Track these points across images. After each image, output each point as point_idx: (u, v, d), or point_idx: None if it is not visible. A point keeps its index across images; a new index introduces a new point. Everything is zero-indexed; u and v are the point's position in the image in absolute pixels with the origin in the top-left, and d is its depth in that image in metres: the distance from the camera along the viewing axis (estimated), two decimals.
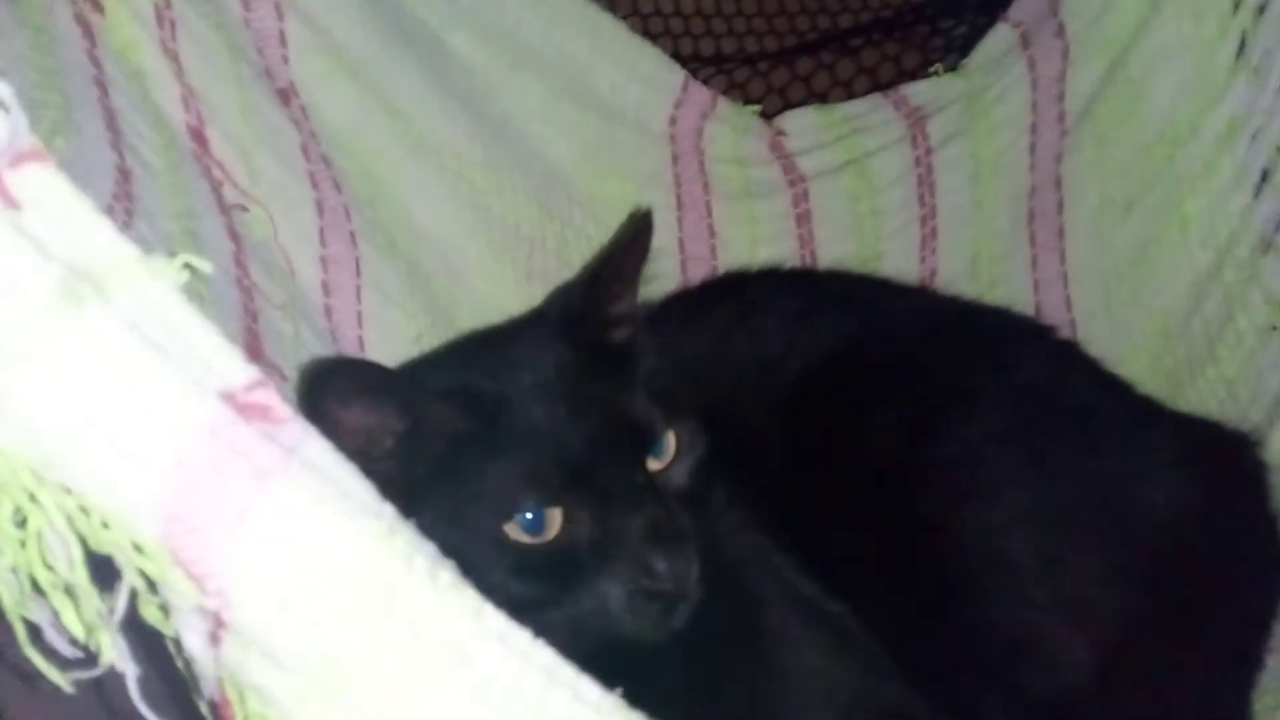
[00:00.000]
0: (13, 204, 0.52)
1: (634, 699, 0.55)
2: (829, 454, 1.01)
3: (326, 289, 1.13)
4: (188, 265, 0.58)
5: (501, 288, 1.25)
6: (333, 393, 0.79)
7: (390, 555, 0.55)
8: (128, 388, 0.50)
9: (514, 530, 0.80)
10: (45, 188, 0.54)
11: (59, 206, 0.54)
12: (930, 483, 0.98)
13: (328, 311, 1.12)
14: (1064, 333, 1.23)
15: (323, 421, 0.87)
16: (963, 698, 0.93)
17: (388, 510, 0.59)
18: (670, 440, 0.86)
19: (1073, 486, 0.99)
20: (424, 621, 0.55)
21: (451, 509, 0.80)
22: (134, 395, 0.51)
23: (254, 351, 0.96)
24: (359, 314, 1.14)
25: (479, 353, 0.95)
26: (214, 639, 0.55)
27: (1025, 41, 1.32)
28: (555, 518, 0.81)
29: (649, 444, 0.85)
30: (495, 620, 0.58)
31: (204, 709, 0.61)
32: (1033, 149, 1.33)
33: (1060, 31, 1.30)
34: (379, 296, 1.15)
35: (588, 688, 0.60)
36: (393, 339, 1.14)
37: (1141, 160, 1.28)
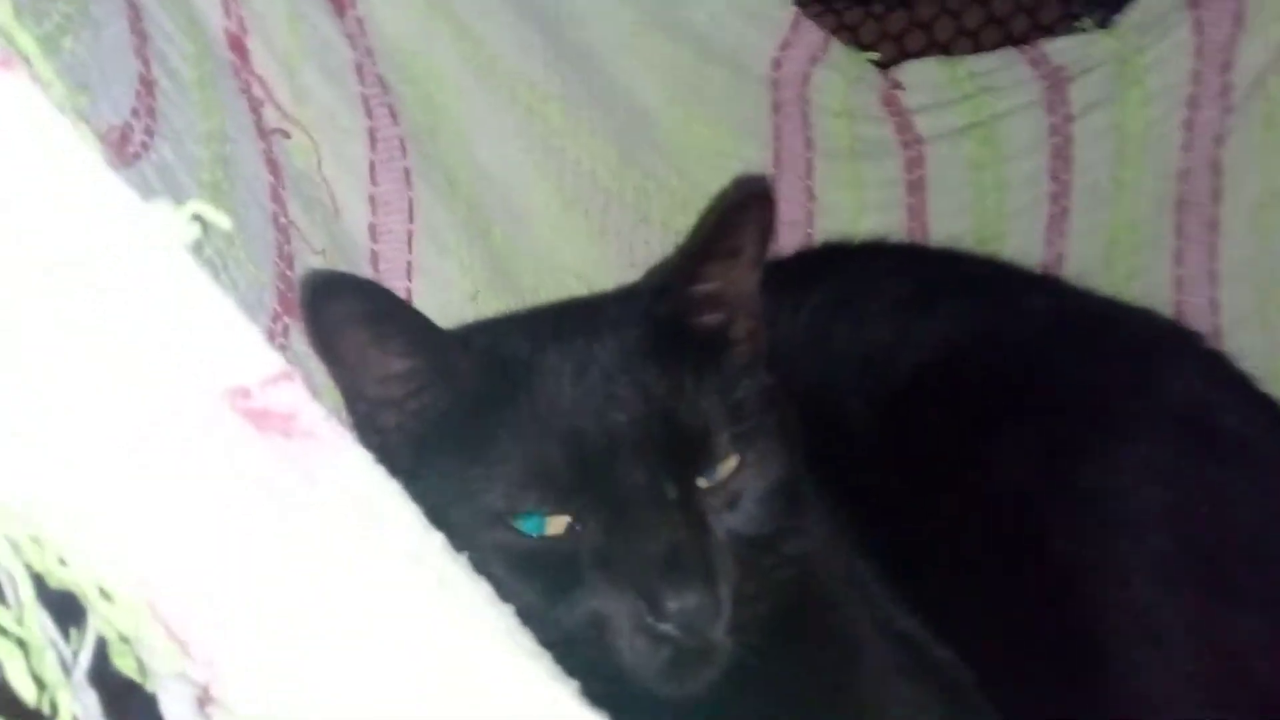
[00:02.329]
0: None
1: None
2: (941, 470, 0.88)
3: (374, 233, 0.99)
4: (198, 218, 0.45)
5: (570, 242, 1.12)
6: (334, 312, 0.71)
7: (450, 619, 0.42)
8: (98, 389, 0.37)
9: (515, 520, 0.69)
10: (16, 100, 0.40)
11: (35, 123, 0.40)
12: (1065, 518, 0.85)
13: (374, 259, 0.99)
14: (1211, 342, 1.08)
15: (320, 345, 0.77)
16: None
17: (435, 546, 0.46)
18: (731, 460, 0.72)
19: (1232, 531, 0.85)
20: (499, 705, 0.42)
21: (454, 481, 0.70)
22: (105, 399, 0.37)
23: (286, 304, 0.83)
24: (409, 264, 1.00)
25: (541, 318, 0.83)
26: (203, 708, 0.42)
27: (1193, 0, 1.16)
28: (559, 520, 0.69)
29: (698, 457, 0.71)
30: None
31: None
32: (1189, 126, 1.18)
33: None
34: (433, 246, 1.02)
35: None
36: (445, 295, 1.01)
37: None
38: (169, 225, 0.43)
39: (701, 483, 0.71)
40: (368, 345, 0.71)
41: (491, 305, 1.01)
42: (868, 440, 0.91)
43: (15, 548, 0.39)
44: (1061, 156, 1.20)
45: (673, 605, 0.65)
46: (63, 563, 0.39)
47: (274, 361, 0.44)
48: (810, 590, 0.75)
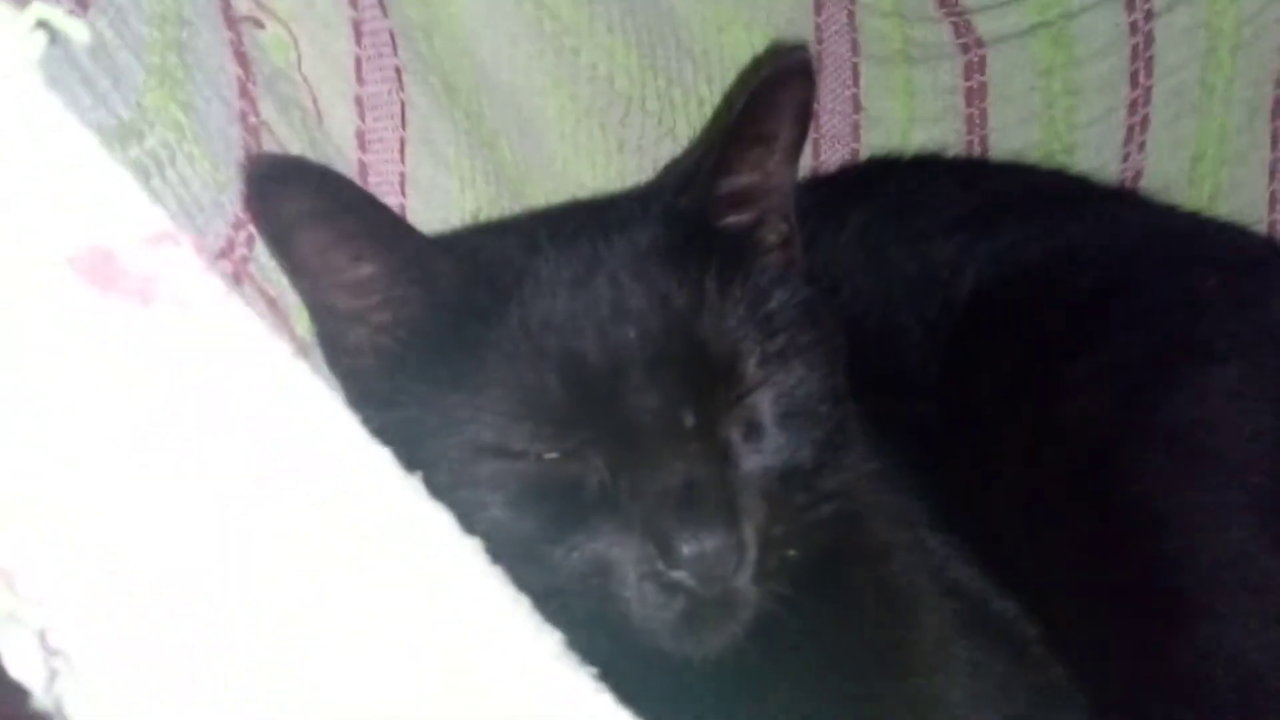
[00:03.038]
0: None
1: None
2: (1008, 404, 0.80)
3: (362, 141, 0.89)
4: (43, 24, 0.34)
5: (586, 157, 1.02)
6: (289, 209, 0.62)
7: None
8: None
9: (506, 446, 0.61)
10: None
11: None
12: (1149, 453, 0.76)
13: (362, 170, 0.89)
14: None
15: (275, 246, 0.67)
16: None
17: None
18: (762, 387, 0.64)
19: None
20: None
21: (434, 409, 0.61)
22: None
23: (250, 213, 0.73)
24: (401, 176, 0.91)
25: (539, 219, 0.75)
26: (48, 668, 0.32)
27: None
28: (552, 452, 0.61)
29: (722, 380, 0.63)
30: None
31: None
32: None
33: None
34: (428, 155, 0.91)
35: None
36: (444, 212, 0.91)
37: None
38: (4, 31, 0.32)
39: (726, 409, 0.62)
40: (329, 246, 0.63)
41: None
42: (924, 368, 0.84)
43: None
44: (1142, 59, 1.11)
45: (687, 549, 0.56)
46: None
47: (153, 219, 0.34)
48: (854, 534, 0.67)
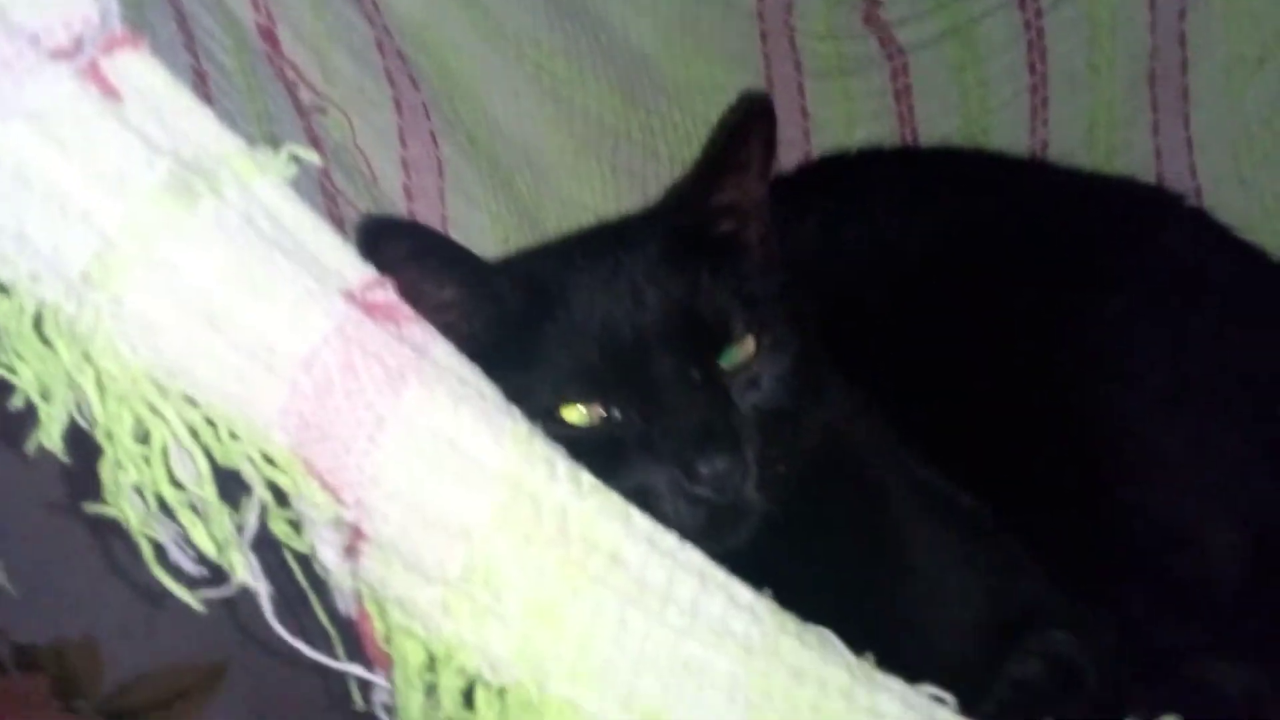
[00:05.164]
0: (112, 94, 0.48)
1: None
2: (956, 340, 0.96)
3: (409, 193, 1.08)
4: (295, 158, 0.54)
5: (587, 184, 1.20)
6: (389, 253, 0.75)
7: (534, 460, 0.51)
8: (250, 287, 0.46)
9: (565, 413, 0.77)
10: (142, 76, 0.50)
11: (159, 96, 0.50)
12: (1070, 366, 0.94)
13: (411, 217, 1.08)
14: (1191, 201, 1.17)
15: None
16: (1106, 590, 0.88)
17: (518, 413, 0.55)
18: (748, 342, 0.80)
19: (1219, 364, 0.94)
20: (572, 526, 0.52)
21: (506, 388, 0.75)
22: (257, 295, 0.47)
23: None
24: (444, 218, 1.09)
25: (571, 242, 0.92)
26: (352, 552, 0.52)
27: None
28: (599, 409, 0.77)
29: (718, 343, 0.79)
30: (643, 523, 0.55)
31: (329, 625, 0.58)
32: (1153, 4, 1.22)
33: None
34: (463, 199, 1.10)
35: (740, 590, 0.57)
36: (480, 243, 1.09)
37: (1275, 9, 1.18)
38: (275, 164, 0.53)
39: (724, 365, 0.79)
40: (420, 278, 0.77)
41: (521, 247, 1.09)
42: (886, 324, 0.98)
43: (194, 431, 0.49)
44: (1037, 49, 1.25)
45: (705, 469, 0.73)
46: (233, 436, 0.49)
47: (369, 270, 0.54)
48: (836, 452, 0.84)
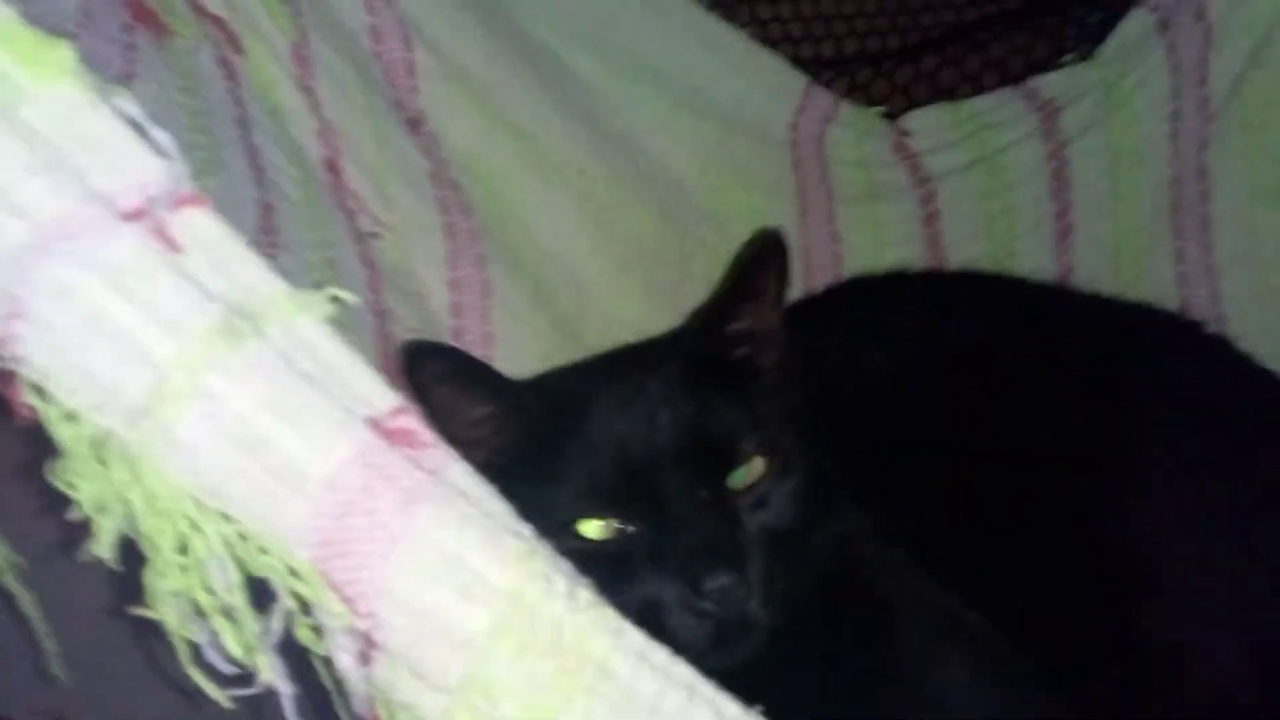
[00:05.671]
0: (174, 246, 0.55)
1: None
2: (968, 457, 0.99)
3: (456, 311, 1.16)
4: (335, 298, 0.61)
5: (626, 302, 1.26)
6: (426, 373, 0.83)
7: (531, 575, 0.56)
8: (284, 418, 0.52)
9: (582, 527, 0.81)
10: (203, 230, 0.57)
11: (216, 247, 0.57)
12: (1085, 489, 0.95)
13: (457, 333, 1.15)
14: (1213, 328, 1.18)
15: (417, 399, 0.89)
16: (1116, 712, 0.89)
17: (526, 530, 0.60)
18: (757, 463, 0.83)
19: (1229, 490, 0.95)
20: (566, 639, 0.56)
21: (528, 501, 0.74)
22: (289, 424, 0.53)
23: (389, 375, 0.99)
24: (488, 335, 1.16)
25: (597, 363, 0.97)
26: (365, 658, 0.56)
27: (1163, 26, 1.26)
28: (613, 524, 0.81)
29: (727, 463, 0.83)
30: (634, 638, 0.59)
31: None
32: (1175, 137, 1.27)
33: (1201, 14, 1.24)
34: (507, 316, 1.18)
35: (727, 704, 0.60)
36: (521, 358, 1.16)
37: None
38: (315, 303, 0.59)
39: (734, 485, 0.82)
40: (455, 396, 0.83)
41: (560, 362, 1.15)
42: (899, 440, 1.00)
43: (228, 544, 0.55)
44: (1061, 178, 1.30)
45: (710, 585, 0.76)
46: (263, 551, 0.55)
47: (395, 398, 0.60)
48: (845, 571, 0.86)
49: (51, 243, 0.52)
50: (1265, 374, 1.07)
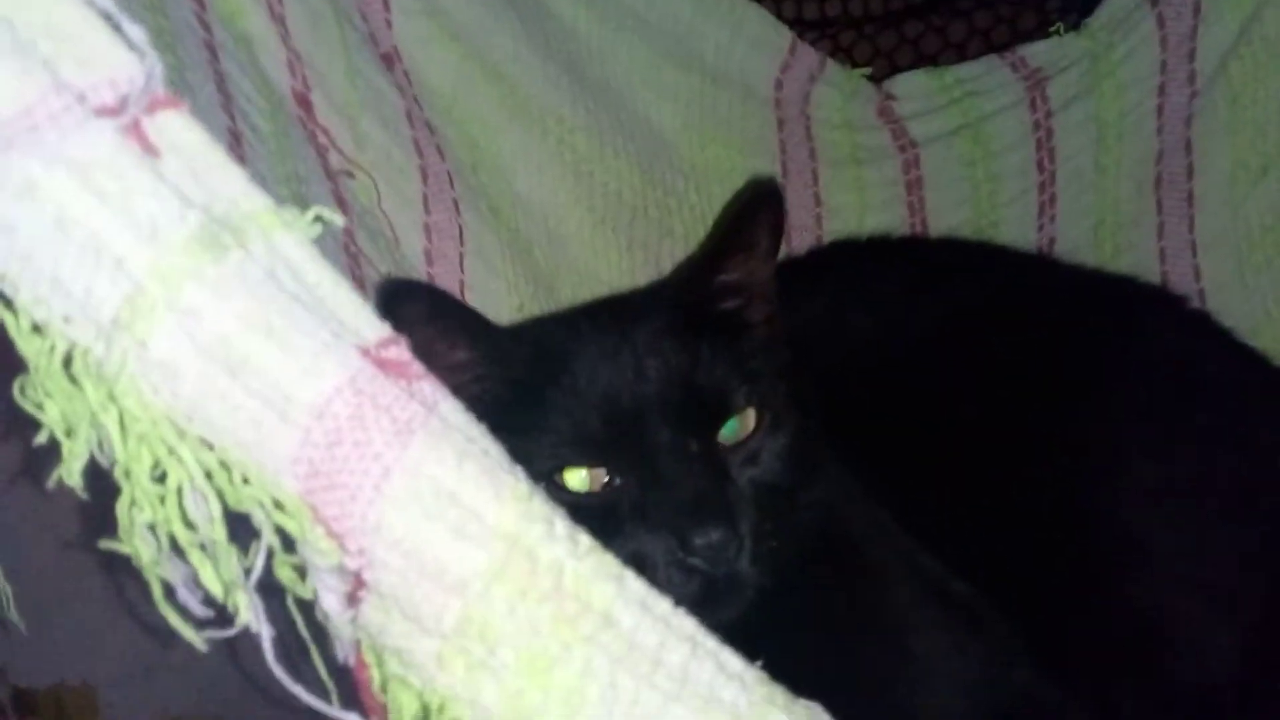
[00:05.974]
0: (152, 150, 0.50)
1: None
2: (952, 425, 0.98)
3: (429, 258, 1.11)
4: (319, 218, 0.57)
5: (602, 257, 1.23)
6: (405, 313, 0.77)
7: (533, 517, 0.53)
8: (269, 336, 0.49)
9: (566, 477, 0.78)
10: (181, 135, 0.53)
11: (195, 154, 0.52)
12: (1066, 460, 0.94)
13: (430, 281, 1.11)
14: (1194, 303, 1.19)
15: None
16: (1098, 684, 0.88)
17: (521, 471, 0.57)
18: (748, 417, 0.81)
19: (1209, 462, 0.95)
20: (567, 585, 0.53)
21: (509, 450, 0.76)
22: (275, 344, 0.49)
23: None
24: (461, 283, 1.12)
25: (580, 312, 0.94)
26: (352, 600, 0.53)
27: None
28: (599, 475, 0.78)
29: (717, 416, 0.80)
30: (637, 586, 0.56)
31: (325, 673, 0.59)
32: (1161, 111, 1.26)
33: None
34: (482, 266, 1.14)
35: (731, 659, 0.58)
36: (495, 309, 1.12)
37: (1278, 122, 1.21)
38: (301, 222, 0.55)
39: (724, 439, 0.80)
40: (434, 339, 0.79)
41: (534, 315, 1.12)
42: (884, 405, 0.99)
43: (208, 473, 0.51)
44: (1045, 148, 1.29)
45: (699, 540, 0.74)
46: (245, 481, 0.51)
47: (385, 328, 0.56)
48: (833, 531, 0.84)
49: (14, 134, 0.47)
50: (1245, 349, 1.07)
